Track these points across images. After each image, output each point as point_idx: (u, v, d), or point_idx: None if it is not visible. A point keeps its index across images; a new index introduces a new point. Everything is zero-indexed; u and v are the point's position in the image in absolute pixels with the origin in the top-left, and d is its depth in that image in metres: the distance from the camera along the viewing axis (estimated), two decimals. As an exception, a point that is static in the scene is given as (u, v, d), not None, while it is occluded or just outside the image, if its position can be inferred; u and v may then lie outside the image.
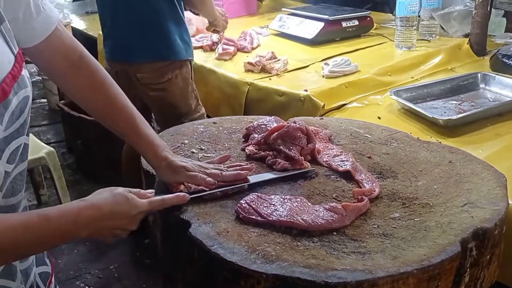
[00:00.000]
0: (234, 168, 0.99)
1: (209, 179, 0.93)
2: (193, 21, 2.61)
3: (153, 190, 0.89)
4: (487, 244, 0.83)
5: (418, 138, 1.19)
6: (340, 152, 1.09)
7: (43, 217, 0.72)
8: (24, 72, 0.75)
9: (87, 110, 0.98)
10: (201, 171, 0.95)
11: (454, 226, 0.82)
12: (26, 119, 0.76)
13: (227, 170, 0.98)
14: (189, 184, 0.94)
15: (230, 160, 1.06)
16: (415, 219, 0.86)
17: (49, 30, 0.86)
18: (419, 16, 2.15)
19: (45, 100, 3.96)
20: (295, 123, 1.09)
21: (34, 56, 0.87)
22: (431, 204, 0.91)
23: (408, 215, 0.88)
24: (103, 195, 0.80)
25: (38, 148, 2.30)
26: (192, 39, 2.42)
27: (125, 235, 0.82)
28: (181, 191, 0.92)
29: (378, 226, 0.85)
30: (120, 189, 0.82)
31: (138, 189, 0.85)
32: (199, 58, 2.23)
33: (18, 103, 0.72)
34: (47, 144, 2.47)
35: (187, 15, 2.78)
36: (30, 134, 0.83)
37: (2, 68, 0.69)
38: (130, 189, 0.83)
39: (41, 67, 0.93)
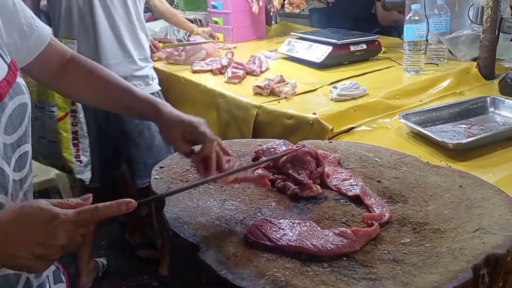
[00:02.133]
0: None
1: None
2: (203, 44, 2.65)
3: (89, 195, 0.73)
4: (499, 271, 0.81)
5: (427, 162, 1.19)
6: (350, 176, 1.09)
7: None
8: (20, 80, 0.78)
9: (89, 95, 1.04)
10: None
11: (465, 252, 0.81)
12: (27, 127, 0.79)
13: None
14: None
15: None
16: (426, 245, 0.85)
17: (43, 45, 0.92)
18: (427, 40, 2.16)
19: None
20: (304, 146, 1.09)
21: (30, 69, 0.92)
22: (442, 229, 0.90)
23: (419, 240, 0.87)
24: (6, 209, 0.69)
25: (49, 169, 2.32)
26: (202, 63, 2.46)
27: (52, 254, 0.67)
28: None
29: (388, 252, 0.84)
30: (31, 201, 0.70)
31: (63, 199, 0.71)
32: (209, 81, 2.25)
33: (15, 108, 0.75)
34: (57, 165, 2.49)
35: (196, 38, 2.83)
36: None
37: None
38: (51, 200, 0.70)
39: (37, 76, 0.99)
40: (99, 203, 0.71)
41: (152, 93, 2.09)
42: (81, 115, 2.01)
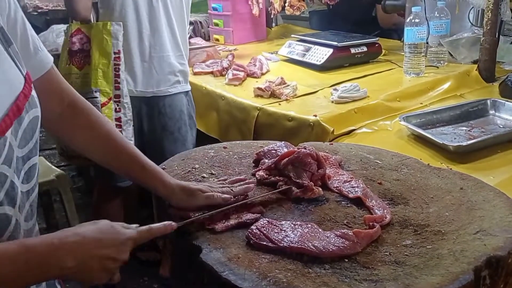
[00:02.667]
0: (239, 183, 1.03)
1: (225, 195, 0.96)
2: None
3: (137, 225, 0.84)
4: (500, 273, 0.82)
5: (428, 164, 1.19)
6: (351, 178, 1.09)
7: (22, 245, 0.68)
8: (33, 93, 0.78)
9: (87, 152, 0.98)
10: (213, 191, 0.97)
11: (467, 254, 0.81)
12: (37, 140, 0.79)
13: (234, 186, 1.02)
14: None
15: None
16: (427, 247, 0.85)
17: (45, 68, 0.88)
18: (427, 43, 2.16)
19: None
20: (306, 148, 1.09)
21: None
22: (443, 231, 0.90)
23: (420, 242, 0.87)
24: (85, 226, 0.75)
25: (49, 171, 2.32)
26: (202, 65, 2.47)
27: (116, 268, 0.76)
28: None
29: (390, 254, 0.84)
30: (103, 220, 0.78)
31: (121, 223, 0.81)
32: (209, 83, 2.26)
33: (30, 121, 0.75)
34: (58, 167, 2.49)
35: (196, 41, 2.83)
36: (41, 157, 0.85)
37: (15, 87, 0.73)
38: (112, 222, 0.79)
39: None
40: (152, 225, 0.83)
41: (186, 92, 2.11)
42: (126, 100, 1.92)
